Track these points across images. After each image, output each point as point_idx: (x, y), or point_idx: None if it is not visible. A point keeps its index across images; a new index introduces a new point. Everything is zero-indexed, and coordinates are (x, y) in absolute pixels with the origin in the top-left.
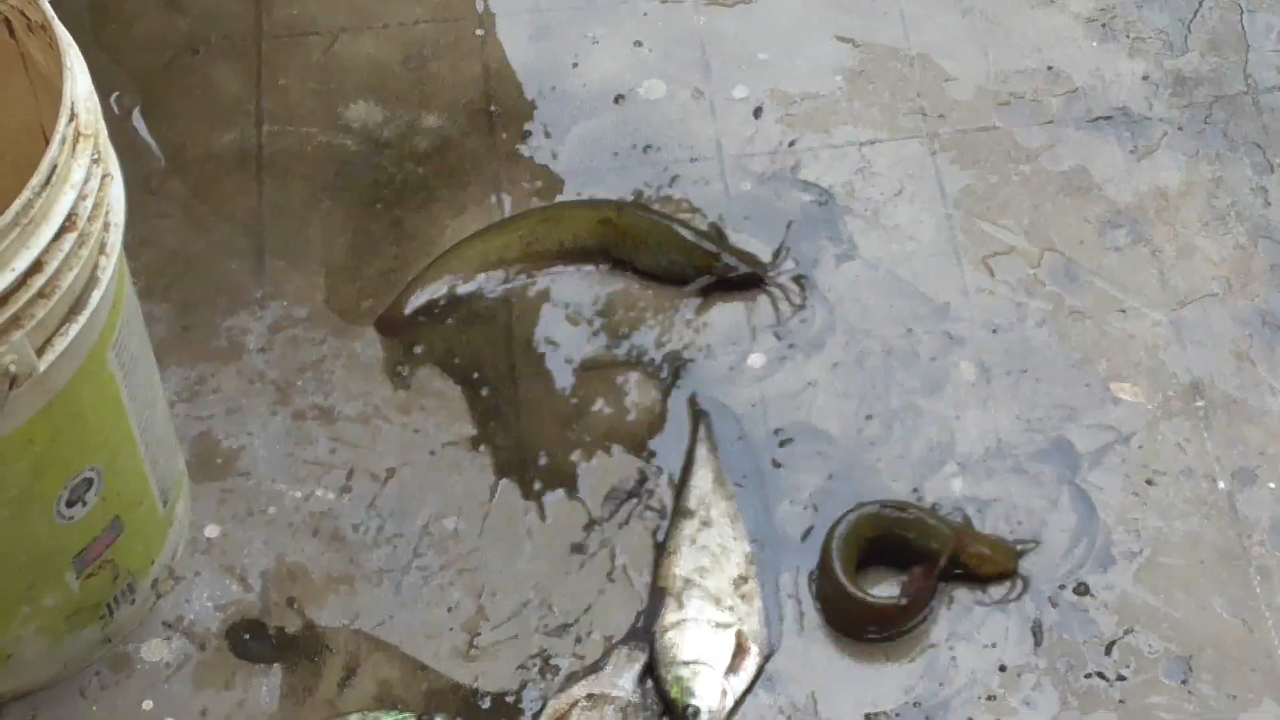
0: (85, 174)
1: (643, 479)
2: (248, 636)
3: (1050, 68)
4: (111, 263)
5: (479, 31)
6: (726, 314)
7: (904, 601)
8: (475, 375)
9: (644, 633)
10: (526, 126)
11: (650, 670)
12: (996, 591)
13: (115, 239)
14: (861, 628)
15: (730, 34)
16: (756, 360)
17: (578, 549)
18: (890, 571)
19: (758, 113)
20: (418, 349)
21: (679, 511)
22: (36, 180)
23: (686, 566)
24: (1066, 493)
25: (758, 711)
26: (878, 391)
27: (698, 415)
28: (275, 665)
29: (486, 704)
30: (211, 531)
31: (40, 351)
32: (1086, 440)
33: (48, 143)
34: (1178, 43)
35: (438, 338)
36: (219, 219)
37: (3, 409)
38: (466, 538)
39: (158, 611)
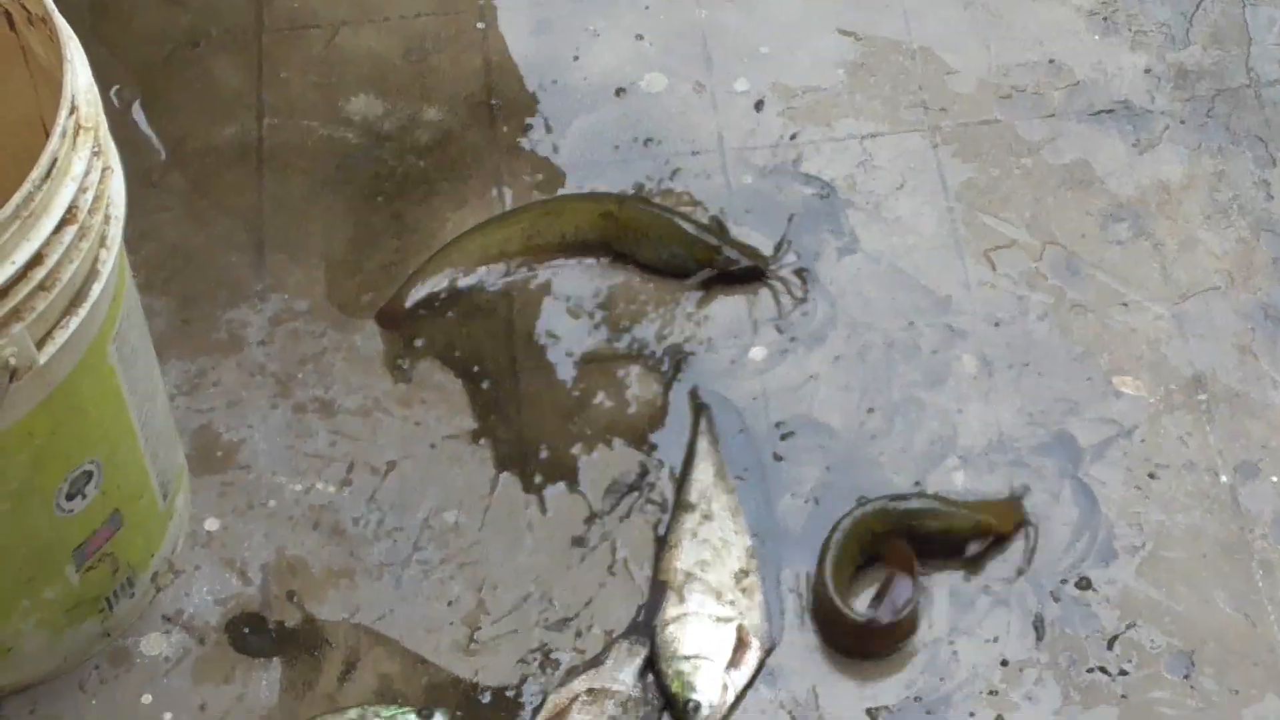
0: (86, 167)
1: (644, 472)
2: (247, 630)
3: (1052, 61)
4: (112, 256)
5: (480, 24)
6: (728, 307)
7: (888, 619)
8: (476, 368)
9: (645, 627)
10: (527, 120)
11: (651, 664)
12: (1001, 571)
13: (116, 232)
14: (858, 647)
15: (732, 27)
16: (758, 353)
17: (578, 542)
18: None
19: (759, 106)
20: (418, 342)
21: (680, 505)
22: (37, 173)
23: (688, 560)
24: (1068, 486)
25: (759, 706)
26: (879, 385)
27: (699, 408)
28: (275, 659)
29: (487, 698)
30: (211, 525)
31: (40, 344)
32: (1088, 434)
33: (48, 136)
34: (1180, 36)
35: (438, 331)
36: (219, 212)
37: (3, 402)
38: (467, 531)
39: (157, 605)
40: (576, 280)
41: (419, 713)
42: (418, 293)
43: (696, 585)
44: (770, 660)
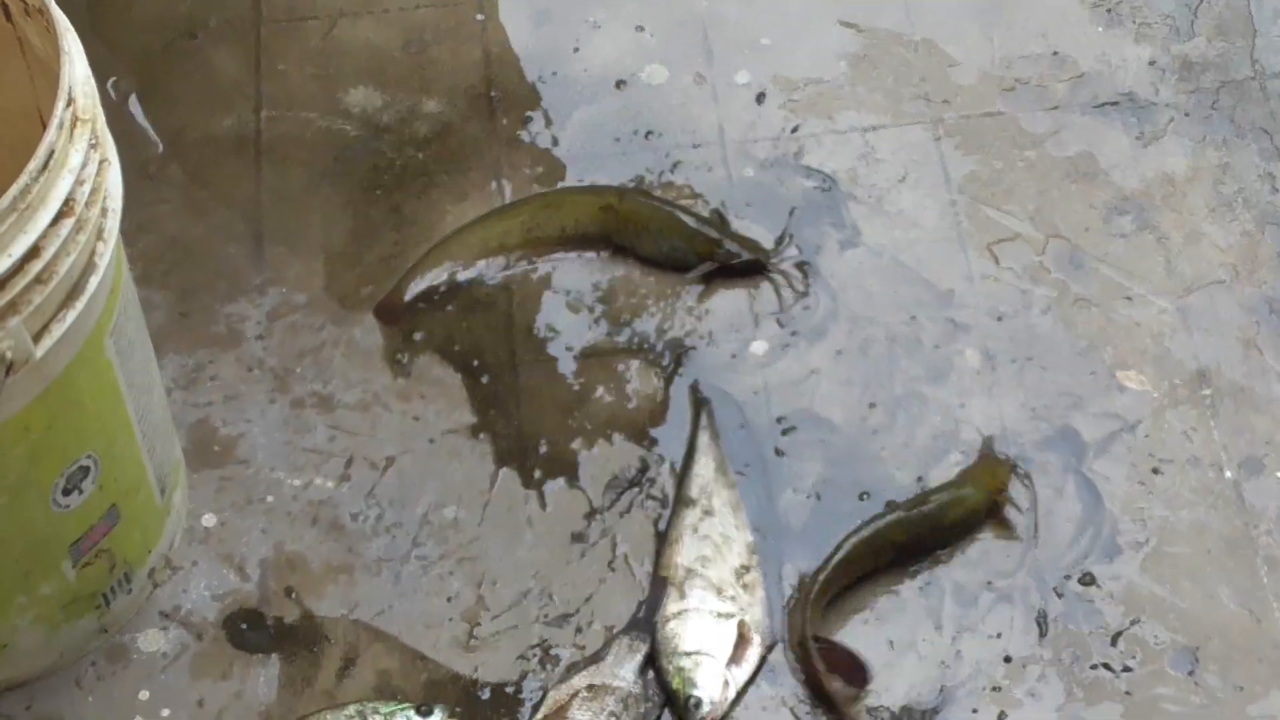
0: (83, 159)
1: (644, 467)
2: (245, 626)
3: (1056, 53)
4: (109, 248)
5: (479, 16)
6: (729, 301)
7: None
8: (475, 362)
9: (645, 623)
10: (527, 112)
11: (652, 661)
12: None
13: (113, 224)
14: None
15: (732, 19)
16: (759, 347)
17: (579, 538)
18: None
19: (760, 98)
20: (417, 336)
21: (681, 500)
22: (34, 165)
23: (688, 556)
24: (1072, 482)
25: (760, 702)
26: (881, 379)
27: (699, 403)
28: (273, 655)
29: (486, 694)
30: (209, 520)
31: (37, 338)
32: (1092, 429)
33: (45, 128)
34: (1184, 27)
35: (438, 325)
36: (217, 205)
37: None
38: (466, 526)
39: (155, 601)
40: (576, 274)
41: (418, 709)
42: (417, 286)
43: (697, 581)
44: (771, 656)
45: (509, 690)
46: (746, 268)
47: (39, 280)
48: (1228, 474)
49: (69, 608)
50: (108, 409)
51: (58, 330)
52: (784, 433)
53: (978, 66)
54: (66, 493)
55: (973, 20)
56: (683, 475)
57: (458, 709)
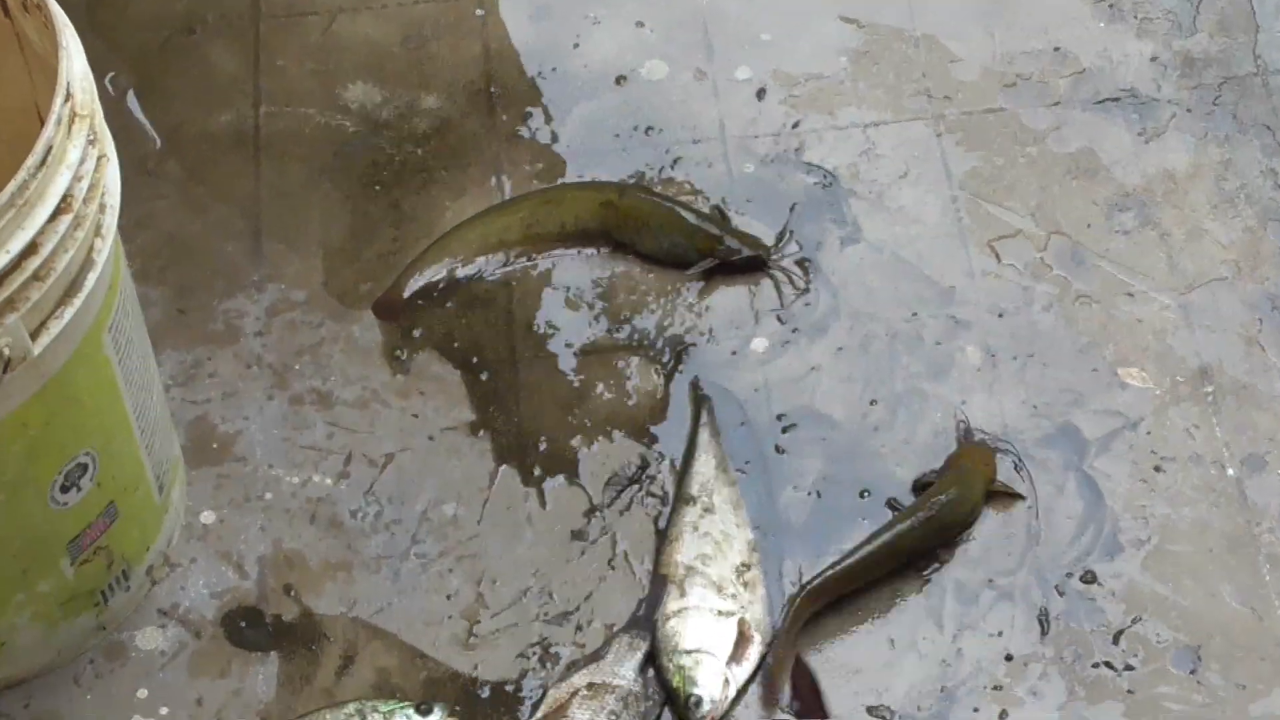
0: (81, 155)
1: (644, 465)
2: (244, 624)
3: (1057, 49)
4: (107, 245)
5: (479, 11)
6: (729, 298)
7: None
8: (475, 359)
9: (645, 621)
10: (527, 107)
11: (652, 659)
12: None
13: (111, 221)
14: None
15: (733, 14)
16: (759, 344)
17: (578, 536)
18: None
19: (761, 94)
20: (416, 332)
21: (681, 498)
22: (32, 161)
23: (688, 554)
24: (1073, 479)
25: (760, 700)
26: (882, 376)
27: (700, 400)
28: (272, 653)
29: (486, 693)
30: (207, 517)
31: (35, 335)
32: (1094, 426)
33: (43, 123)
34: (1186, 23)
35: (437, 321)
36: (216, 201)
37: None
38: (466, 524)
39: (153, 599)
40: (576, 270)
41: (417, 707)
42: (416, 283)
43: (698, 579)
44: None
45: (509, 688)
46: (747, 264)
47: (37, 277)
48: (1230, 471)
49: (67, 605)
50: (106, 406)
51: (55, 327)
52: (784, 430)
53: (979, 62)
54: (65, 490)
55: (974, 16)
56: (683, 472)
57: (457, 707)
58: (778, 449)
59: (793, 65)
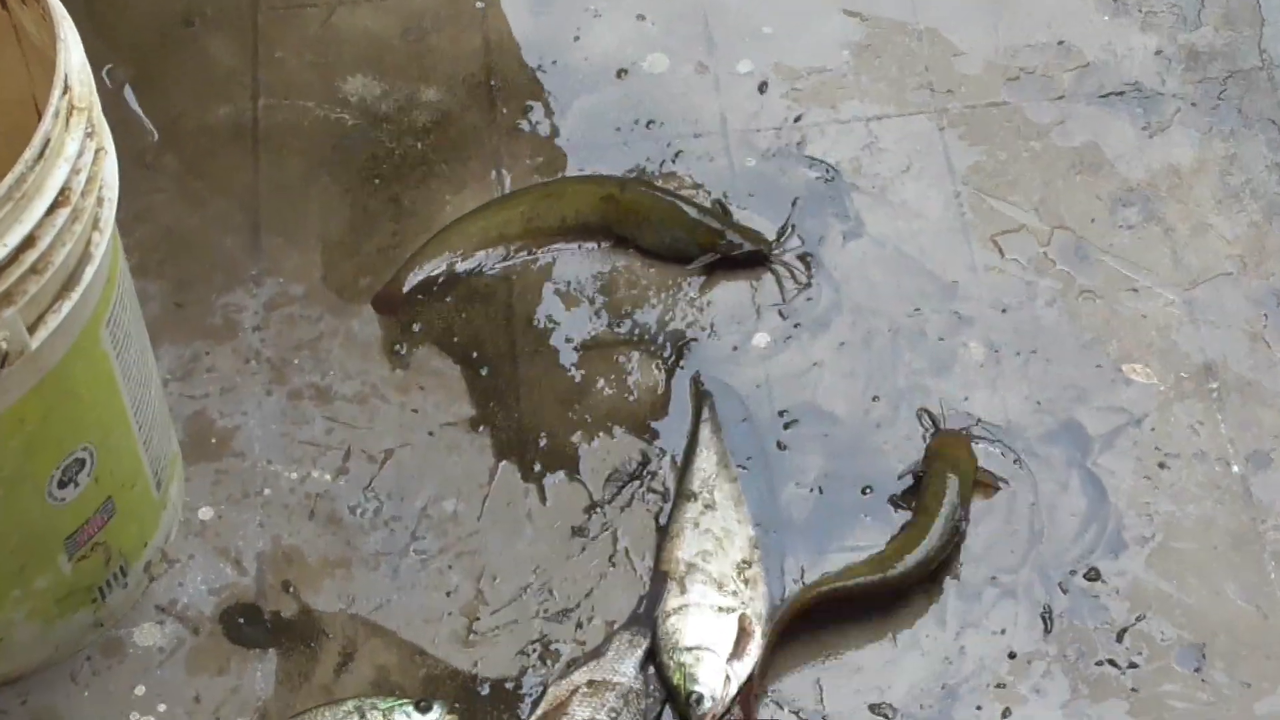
0: (79, 148)
1: (645, 461)
2: (242, 621)
3: (1061, 42)
4: (105, 238)
5: (479, 4)
6: (731, 292)
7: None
8: (475, 354)
9: (646, 618)
10: (527, 101)
11: (652, 656)
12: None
13: (109, 214)
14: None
15: (734, 7)
16: (761, 340)
17: (579, 532)
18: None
19: (763, 87)
20: (416, 327)
21: (682, 494)
22: (29, 154)
23: (689, 550)
24: (1077, 476)
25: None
26: (884, 372)
27: (701, 396)
28: (270, 650)
29: (485, 690)
30: (205, 513)
31: (33, 329)
32: (1097, 422)
33: (40, 116)
34: (1191, 17)
35: (436, 316)
36: (214, 194)
37: None
38: (465, 520)
39: (150, 595)
40: (577, 265)
41: (417, 704)
42: (415, 277)
43: (698, 576)
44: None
45: (508, 686)
46: (749, 259)
47: (34, 270)
48: (1235, 468)
49: (64, 601)
50: (104, 401)
51: (53, 321)
52: (786, 426)
53: (982, 56)
54: (62, 485)
55: (977, 9)
56: (684, 469)
57: (457, 704)
58: (779, 445)
59: (795, 59)
